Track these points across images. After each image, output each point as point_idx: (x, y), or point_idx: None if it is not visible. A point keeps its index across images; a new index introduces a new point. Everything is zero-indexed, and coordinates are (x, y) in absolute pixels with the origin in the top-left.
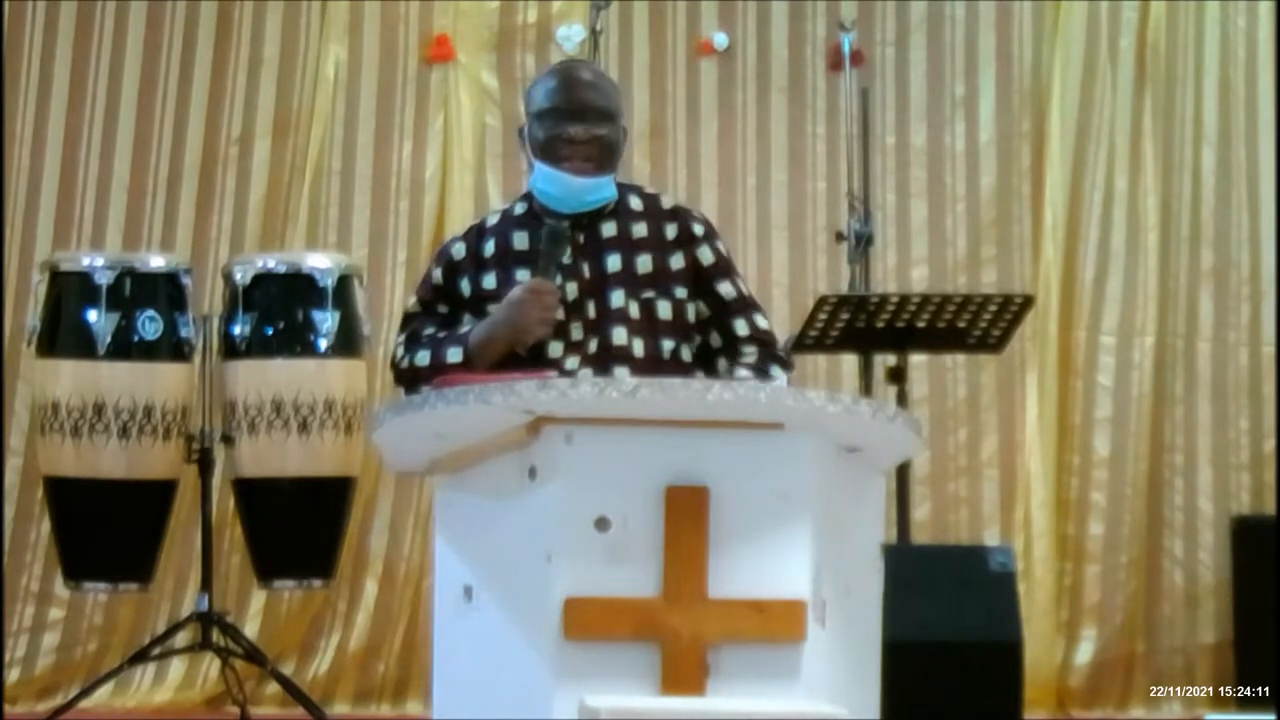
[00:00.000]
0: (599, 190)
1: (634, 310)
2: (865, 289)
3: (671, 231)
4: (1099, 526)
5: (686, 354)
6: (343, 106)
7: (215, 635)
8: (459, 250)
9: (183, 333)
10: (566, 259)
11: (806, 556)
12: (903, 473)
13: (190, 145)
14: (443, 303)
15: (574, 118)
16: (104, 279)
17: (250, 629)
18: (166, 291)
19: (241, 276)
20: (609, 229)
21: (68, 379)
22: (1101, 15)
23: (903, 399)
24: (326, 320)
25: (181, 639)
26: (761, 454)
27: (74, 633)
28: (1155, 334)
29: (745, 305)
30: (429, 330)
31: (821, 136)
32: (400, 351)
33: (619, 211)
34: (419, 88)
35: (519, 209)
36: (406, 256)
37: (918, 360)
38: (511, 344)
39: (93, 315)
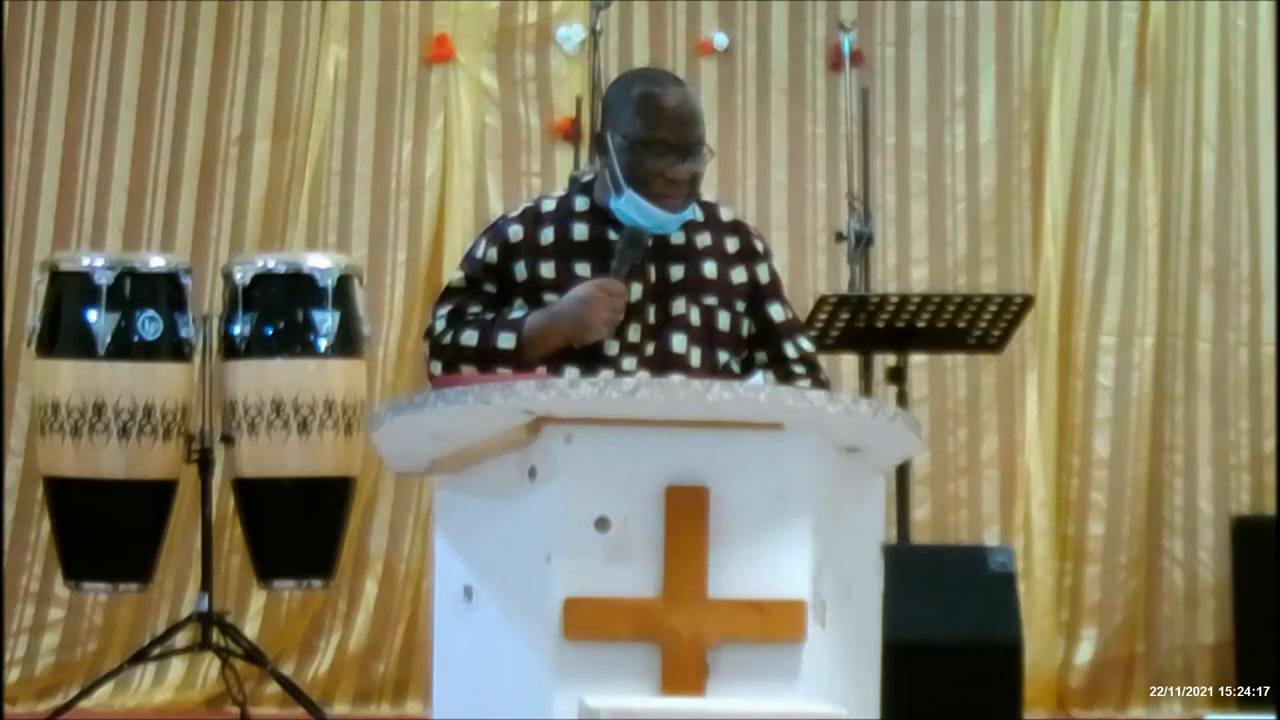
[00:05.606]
0: (685, 218)
1: (695, 318)
2: (865, 289)
3: (733, 245)
4: (1099, 526)
5: (736, 367)
6: (343, 106)
7: (215, 635)
8: (515, 232)
9: (183, 333)
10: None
11: (806, 556)
12: (903, 473)
13: (190, 145)
14: (491, 282)
15: (679, 155)
16: (104, 279)
17: (250, 629)
18: (166, 291)
19: (241, 276)
20: (677, 236)
21: (68, 379)
22: (1101, 15)
23: (903, 399)
24: (326, 320)
25: (181, 639)
26: (761, 454)
27: (74, 633)
28: (1155, 334)
29: (793, 328)
30: (475, 309)
31: (821, 137)
32: (441, 325)
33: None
34: (419, 88)
35: (579, 203)
36: (406, 256)
37: (918, 360)
38: (570, 339)
39: (93, 315)
